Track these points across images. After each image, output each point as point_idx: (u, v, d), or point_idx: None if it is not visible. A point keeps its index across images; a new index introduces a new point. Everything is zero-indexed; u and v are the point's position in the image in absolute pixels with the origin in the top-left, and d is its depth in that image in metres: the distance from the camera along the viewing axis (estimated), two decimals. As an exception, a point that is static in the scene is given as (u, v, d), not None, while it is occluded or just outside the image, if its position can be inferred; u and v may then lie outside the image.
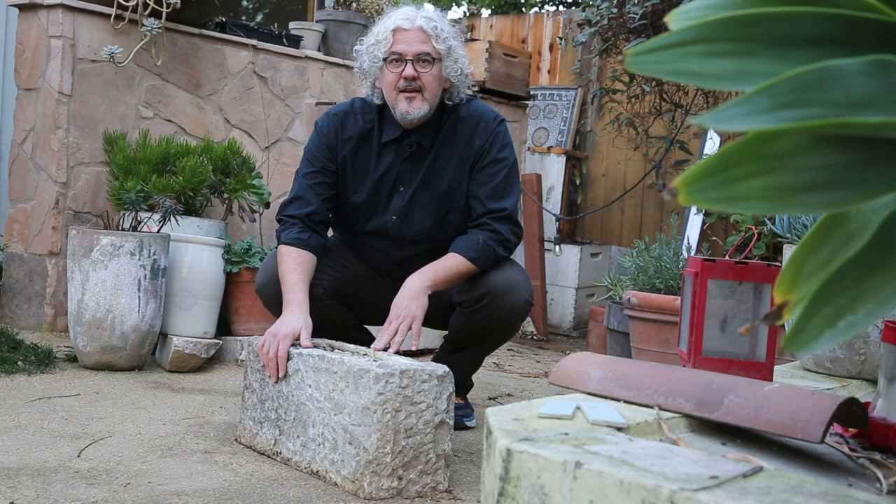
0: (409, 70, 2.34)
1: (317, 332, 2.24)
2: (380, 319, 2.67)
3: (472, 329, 2.46)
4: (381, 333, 2.24)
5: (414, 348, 2.31)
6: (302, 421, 2.07)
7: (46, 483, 1.85)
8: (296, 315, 2.20)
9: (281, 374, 2.12)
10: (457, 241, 2.40)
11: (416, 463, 1.93)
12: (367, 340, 2.60)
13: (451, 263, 2.35)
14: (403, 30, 2.35)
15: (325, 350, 2.13)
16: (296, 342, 2.16)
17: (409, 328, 2.24)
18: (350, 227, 2.56)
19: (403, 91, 2.36)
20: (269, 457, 2.17)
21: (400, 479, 1.91)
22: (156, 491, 1.85)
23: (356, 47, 2.48)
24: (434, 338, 3.86)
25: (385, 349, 2.18)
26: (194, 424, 2.45)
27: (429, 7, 2.71)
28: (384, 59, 2.37)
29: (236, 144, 3.79)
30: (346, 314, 2.54)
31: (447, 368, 2.00)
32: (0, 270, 3.79)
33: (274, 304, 2.43)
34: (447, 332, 2.57)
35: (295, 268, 2.32)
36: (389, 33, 2.35)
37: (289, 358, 2.12)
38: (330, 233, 2.61)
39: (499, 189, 2.43)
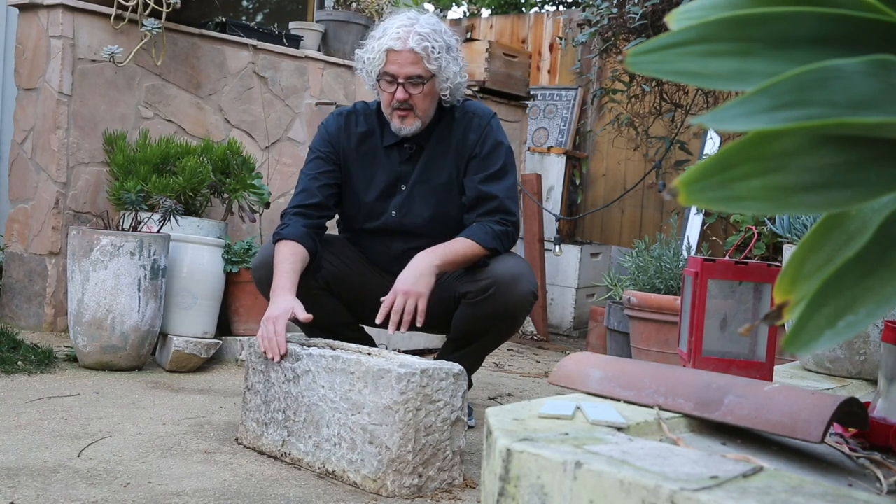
0: (400, 93, 2.43)
1: (311, 326, 2.29)
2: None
3: (477, 321, 2.48)
4: (383, 305, 2.29)
5: (419, 325, 2.32)
6: (314, 422, 2.07)
7: (46, 483, 1.85)
8: (283, 298, 2.27)
9: (282, 352, 2.15)
10: (462, 232, 2.48)
11: (435, 460, 1.97)
12: (362, 340, 2.61)
13: (459, 245, 2.42)
14: (395, 51, 2.41)
15: (322, 349, 2.13)
16: (296, 340, 2.18)
17: (415, 306, 2.28)
18: (353, 225, 2.64)
19: (397, 109, 2.46)
20: (276, 458, 2.16)
21: (420, 476, 1.94)
22: (156, 491, 1.85)
23: (357, 51, 2.56)
24: (435, 337, 3.86)
25: (384, 325, 2.27)
26: (194, 424, 2.45)
27: (429, 7, 2.75)
28: (377, 79, 2.47)
29: (236, 144, 3.79)
30: (339, 308, 2.58)
31: (461, 367, 2.04)
32: (0, 270, 3.79)
33: (265, 285, 2.52)
34: (451, 330, 2.59)
35: (285, 258, 2.39)
36: (383, 53, 2.42)
37: (288, 342, 2.17)
38: (333, 228, 2.67)
39: (491, 176, 2.51)
